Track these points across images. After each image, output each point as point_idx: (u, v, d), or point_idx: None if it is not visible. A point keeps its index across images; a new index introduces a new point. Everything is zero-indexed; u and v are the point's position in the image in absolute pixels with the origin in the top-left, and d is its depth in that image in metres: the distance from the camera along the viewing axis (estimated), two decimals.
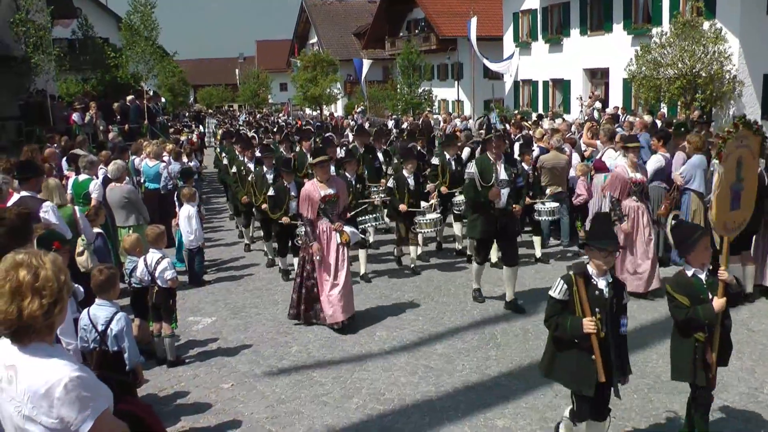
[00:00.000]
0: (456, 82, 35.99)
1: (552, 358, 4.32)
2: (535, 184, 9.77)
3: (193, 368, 6.41)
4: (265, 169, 9.76)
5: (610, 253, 4.14)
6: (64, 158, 10.89)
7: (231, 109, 63.25)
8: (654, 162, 9.17)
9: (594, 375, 4.04)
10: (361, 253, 9.10)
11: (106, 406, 2.40)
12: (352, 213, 8.61)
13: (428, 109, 32.28)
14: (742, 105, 19.04)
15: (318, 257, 7.19)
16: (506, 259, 7.76)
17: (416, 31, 40.82)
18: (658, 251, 8.52)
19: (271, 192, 8.93)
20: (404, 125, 23.44)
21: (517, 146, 11.31)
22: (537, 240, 9.95)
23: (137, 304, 6.67)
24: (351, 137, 15.86)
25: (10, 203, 6.05)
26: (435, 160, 10.35)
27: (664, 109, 19.70)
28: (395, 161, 11.54)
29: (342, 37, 51.20)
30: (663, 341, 6.14)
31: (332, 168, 8.29)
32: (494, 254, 9.12)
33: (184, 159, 13.25)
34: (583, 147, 11.82)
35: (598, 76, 25.81)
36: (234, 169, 10.92)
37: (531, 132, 14.07)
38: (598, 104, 22.93)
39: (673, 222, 4.84)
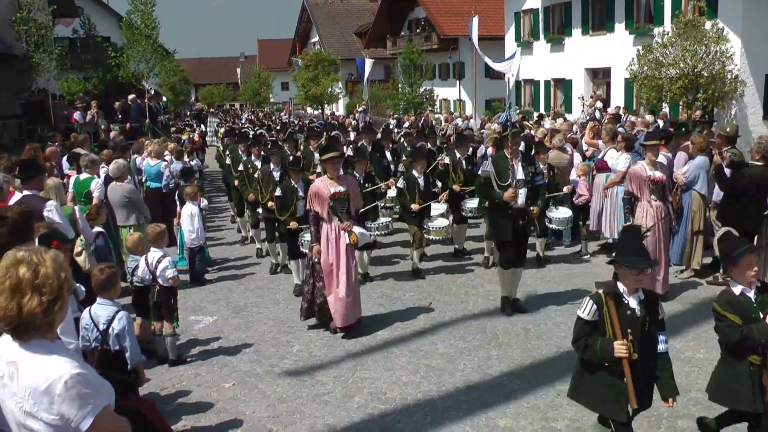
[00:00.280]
0: (457, 82, 36.01)
1: (580, 380, 4.09)
2: (550, 184, 9.39)
3: (195, 367, 6.41)
4: (272, 166, 9.50)
5: (642, 271, 3.82)
6: (65, 157, 10.89)
7: (233, 108, 63.27)
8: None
9: (625, 400, 3.81)
10: (364, 253, 9.05)
11: (106, 402, 2.40)
12: (361, 211, 8.39)
13: (429, 108, 32.28)
14: (744, 105, 19.02)
15: (317, 259, 7.06)
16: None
17: (418, 30, 40.80)
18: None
19: (278, 192, 8.56)
20: (406, 124, 23.43)
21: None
22: (541, 242, 9.74)
23: (139, 303, 6.67)
24: (353, 136, 15.82)
25: (11, 202, 6.04)
26: (446, 159, 10.10)
27: (665, 109, 19.69)
28: (404, 159, 11.34)
29: (343, 36, 51.21)
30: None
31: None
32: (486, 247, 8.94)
33: (186, 158, 13.26)
34: (585, 147, 11.81)
35: (599, 76, 25.79)
36: (241, 167, 10.66)
37: (533, 132, 14.04)
38: (599, 104, 22.91)
39: (720, 232, 4.42)
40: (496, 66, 28.41)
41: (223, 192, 15.63)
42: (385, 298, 8.33)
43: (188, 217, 9.20)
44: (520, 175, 7.20)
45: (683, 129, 10.31)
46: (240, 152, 11.44)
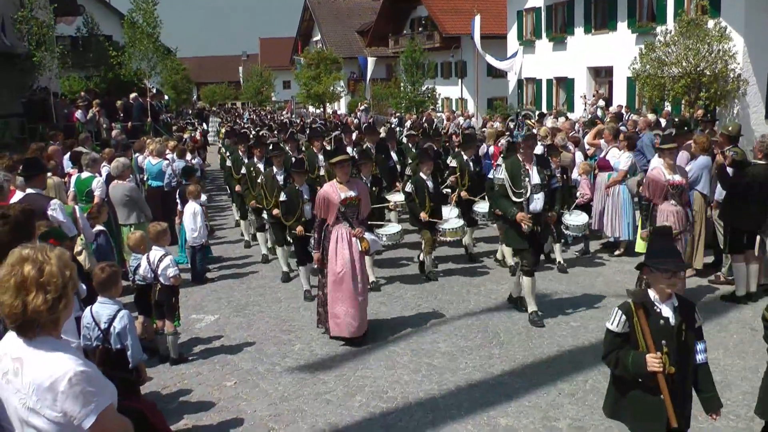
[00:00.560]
0: (459, 80, 35.99)
1: (616, 397, 3.78)
2: (564, 187, 8.94)
3: (196, 366, 6.41)
4: (275, 169, 9.15)
5: (674, 274, 3.50)
6: (67, 156, 10.90)
7: (234, 107, 63.29)
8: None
9: (665, 418, 3.49)
10: (367, 259, 8.91)
11: (109, 401, 2.41)
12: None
13: (431, 107, 32.27)
14: (746, 104, 18.99)
15: (317, 266, 6.96)
16: None
17: (420, 29, 40.83)
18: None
19: (282, 197, 8.34)
20: (407, 123, 23.41)
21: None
22: (558, 247, 9.34)
23: (141, 302, 6.68)
24: (354, 136, 15.79)
25: (12, 200, 6.05)
26: (453, 162, 9.85)
27: (668, 108, 19.66)
28: (410, 162, 11.04)
29: (345, 34, 51.17)
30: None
31: None
32: (507, 253, 8.74)
33: (188, 156, 13.27)
34: (587, 146, 11.79)
35: (602, 75, 25.76)
36: (243, 171, 10.39)
37: (535, 131, 13.99)
38: (601, 103, 22.88)
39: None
40: (498, 65, 28.41)
41: (225, 191, 15.64)
42: (386, 297, 8.33)
43: (191, 215, 9.21)
44: (535, 179, 6.92)
45: (685, 128, 10.29)
46: (240, 153, 11.36)
